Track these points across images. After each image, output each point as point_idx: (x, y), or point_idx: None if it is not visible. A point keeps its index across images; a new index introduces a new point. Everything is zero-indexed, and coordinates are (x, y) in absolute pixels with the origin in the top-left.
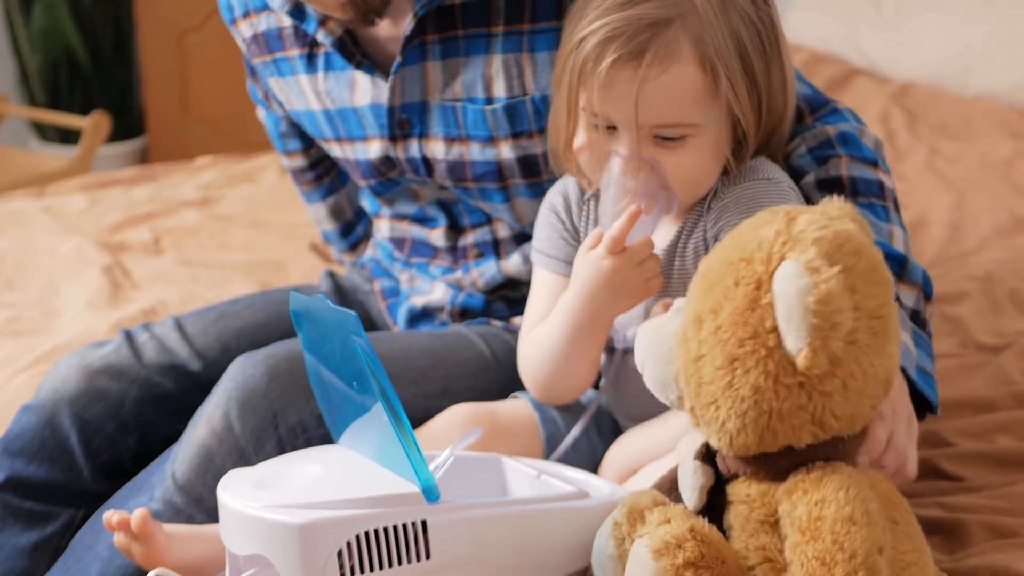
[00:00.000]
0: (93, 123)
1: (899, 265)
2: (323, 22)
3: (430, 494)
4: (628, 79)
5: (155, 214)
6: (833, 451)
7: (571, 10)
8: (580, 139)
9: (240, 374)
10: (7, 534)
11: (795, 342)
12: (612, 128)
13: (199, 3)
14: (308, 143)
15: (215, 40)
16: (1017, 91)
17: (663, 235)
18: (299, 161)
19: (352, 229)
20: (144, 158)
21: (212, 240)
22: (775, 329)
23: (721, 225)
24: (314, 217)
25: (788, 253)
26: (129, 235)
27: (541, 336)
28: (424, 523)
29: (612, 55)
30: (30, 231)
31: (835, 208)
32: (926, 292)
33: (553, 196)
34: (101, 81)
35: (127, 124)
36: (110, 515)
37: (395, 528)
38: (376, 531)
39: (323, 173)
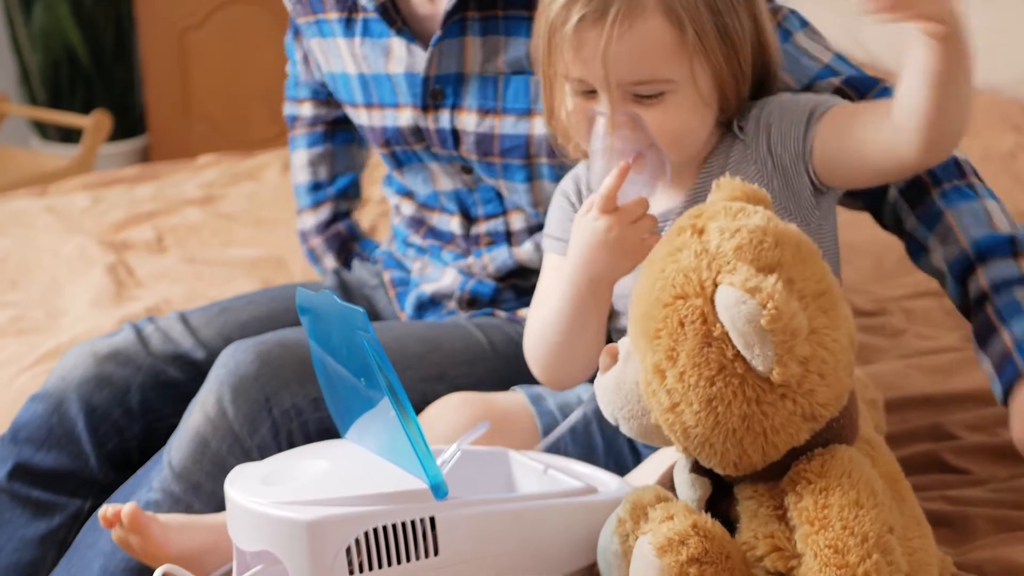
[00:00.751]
0: (94, 122)
1: (1011, 244)
2: None
3: (438, 490)
4: (595, 39)
5: (158, 212)
6: (830, 435)
7: None
8: (567, 107)
9: (231, 360)
10: (15, 525)
11: (764, 363)
12: (592, 92)
13: (200, 1)
14: (317, 95)
15: (216, 38)
16: (1019, 84)
17: (671, 198)
18: (306, 109)
19: (320, 188)
20: (145, 157)
21: (215, 238)
22: (738, 355)
23: (777, 124)
24: (292, 165)
25: (718, 278)
26: (132, 234)
27: (544, 311)
28: (432, 519)
29: (577, 15)
30: (33, 230)
31: (728, 192)
32: None
33: (565, 183)
34: (102, 80)
35: (128, 123)
36: (104, 510)
37: (404, 524)
38: (384, 527)
39: (318, 122)
